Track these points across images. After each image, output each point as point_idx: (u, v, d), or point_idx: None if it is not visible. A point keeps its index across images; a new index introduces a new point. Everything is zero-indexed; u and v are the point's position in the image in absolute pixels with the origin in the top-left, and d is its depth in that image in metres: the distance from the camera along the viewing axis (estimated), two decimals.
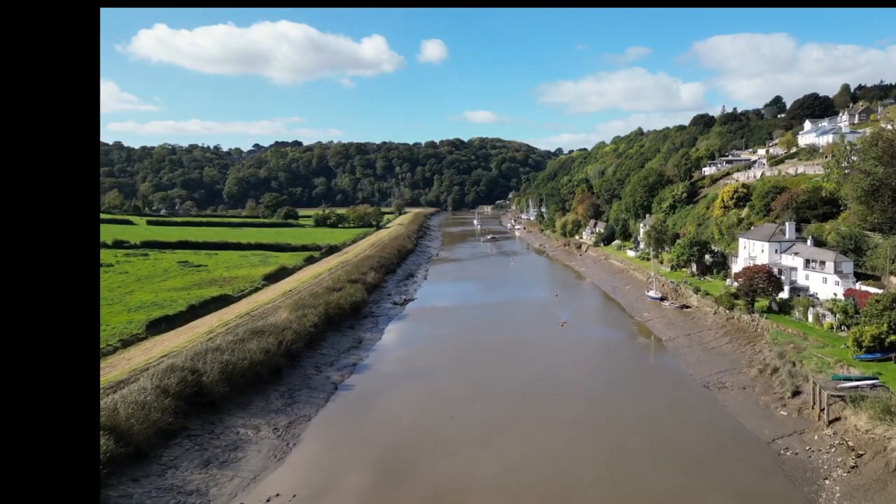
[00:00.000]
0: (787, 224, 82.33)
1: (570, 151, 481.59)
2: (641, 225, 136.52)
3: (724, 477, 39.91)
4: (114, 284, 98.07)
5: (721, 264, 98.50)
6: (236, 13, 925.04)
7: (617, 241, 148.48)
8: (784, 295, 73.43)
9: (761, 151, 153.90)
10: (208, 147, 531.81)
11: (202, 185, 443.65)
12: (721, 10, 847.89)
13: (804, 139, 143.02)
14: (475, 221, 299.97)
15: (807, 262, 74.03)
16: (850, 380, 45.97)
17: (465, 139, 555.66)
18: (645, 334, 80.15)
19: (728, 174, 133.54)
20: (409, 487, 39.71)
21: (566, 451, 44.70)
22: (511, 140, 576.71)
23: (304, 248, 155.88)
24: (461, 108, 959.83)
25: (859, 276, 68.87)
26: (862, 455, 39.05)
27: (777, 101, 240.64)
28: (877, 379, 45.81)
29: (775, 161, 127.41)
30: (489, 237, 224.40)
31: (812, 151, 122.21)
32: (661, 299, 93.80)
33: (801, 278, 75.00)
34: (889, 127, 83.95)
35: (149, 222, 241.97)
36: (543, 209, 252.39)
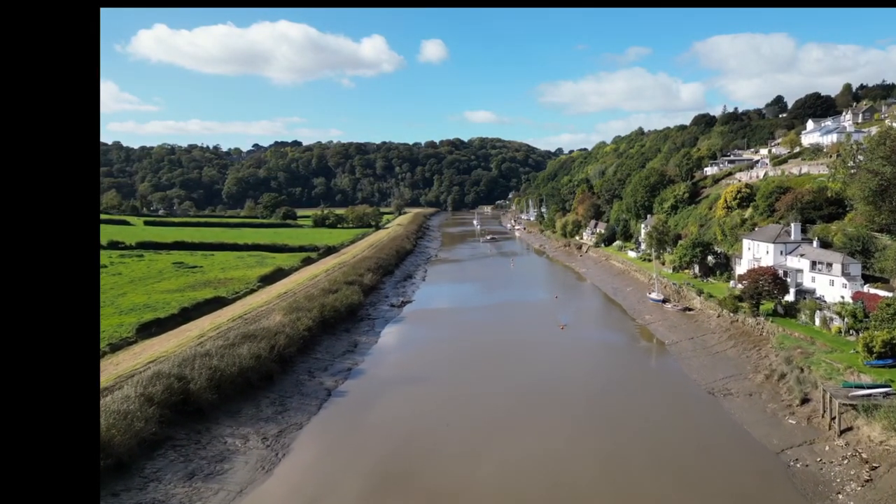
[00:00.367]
0: (792, 225, 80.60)
1: (571, 151, 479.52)
2: (643, 225, 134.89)
3: (731, 489, 38.21)
4: (106, 286, 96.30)
5: (724, 266, 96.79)
6: (236, 13, 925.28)
7: (618, 242, 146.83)
8: (790, 298, 71.71)
9: (764, 151, 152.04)
10: (207, 147, 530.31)
11: (201, 185, 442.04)
12: (721, 10, 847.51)
13: (807, 139, 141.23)
14: (475, 222, 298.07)
15: (813, 263, 72.26)
16: (862, 387, 44.21)
17: (465, 139, 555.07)
18: (647, 338, 78.42)
19: (730, 174, 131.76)
20: (403, 499, 38.06)
21: (566, 460, 43.06)
22: (511, 140, 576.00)
23: (301, 248, 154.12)
24: (461, 108, 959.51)
25: (867, 279, 67.09)
26: (877, 468, 37.30)
27: (778, 101, 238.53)
28: (890, 387, 44.04)
29: (778, 161, 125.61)
30: (489, 238, 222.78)
31: (816, 151, 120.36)
32: (664, 301, 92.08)
33: (807, 280, 73.22)
34: None
35: (146, 223, 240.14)
36: (543, 209, 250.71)
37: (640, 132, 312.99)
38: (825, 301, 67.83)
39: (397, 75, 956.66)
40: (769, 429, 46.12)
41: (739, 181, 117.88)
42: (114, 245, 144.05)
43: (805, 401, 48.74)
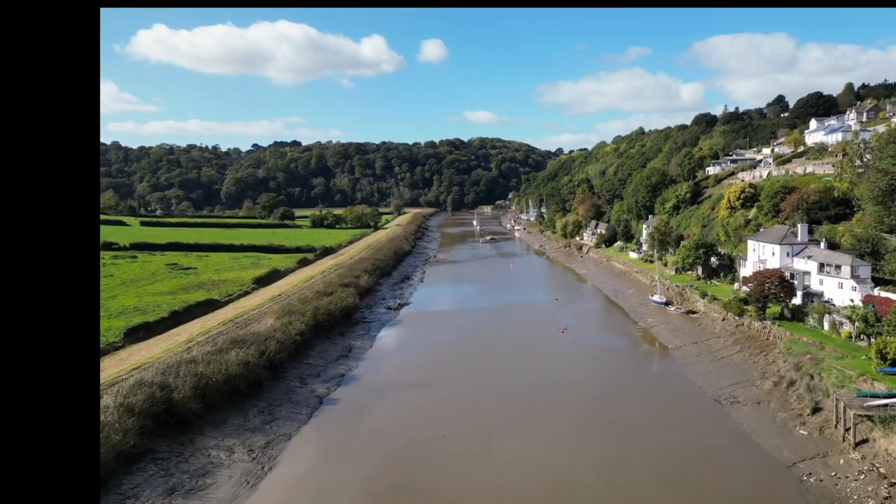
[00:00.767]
0: (799, 226, 78.49)
1: (571, 151, 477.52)
2: (644, 226, 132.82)
3: None
4: None
5: (728, 267, 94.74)
6: (235, 13, 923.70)
7: (619, 243, 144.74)
8: (797, 301, 69.65)
9: (766, 151, 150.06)
10: (206, 147, 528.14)
11: (200, 185, 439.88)
12: (721, 10, 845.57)
13: (811, 138, 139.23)
14: (474, 222, 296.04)
15: (821, 266, 70.13)
16: (878, 397, 42.14)
17: (465, 139, 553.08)
18: (649, 342, 76.32)
19: (733, 174, 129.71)
20: None
21: (567, 467, 41.22)
22: (511, 140, 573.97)
23: (298, 249, 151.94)
24: (461, 108, 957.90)
25: (878, 282, 65.02)
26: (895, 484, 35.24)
27: (780, 101, 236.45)
28: None
29: (782, 160, 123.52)
30: (488, 238, 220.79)
31: (821, 150, 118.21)
32: (666, 304, 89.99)
33: (814, 283, 71.09)
34: None
35: (142, 223, 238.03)
36: (543, 210, 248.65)
37: (641, 132, 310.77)
38: (834, 304, 65.75)
39: (397, 75, 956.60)
40: (779, 440, 44.06)
41: (743, 181, 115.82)
42: (107, 246, 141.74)
43: (816, 410, 46.67)
